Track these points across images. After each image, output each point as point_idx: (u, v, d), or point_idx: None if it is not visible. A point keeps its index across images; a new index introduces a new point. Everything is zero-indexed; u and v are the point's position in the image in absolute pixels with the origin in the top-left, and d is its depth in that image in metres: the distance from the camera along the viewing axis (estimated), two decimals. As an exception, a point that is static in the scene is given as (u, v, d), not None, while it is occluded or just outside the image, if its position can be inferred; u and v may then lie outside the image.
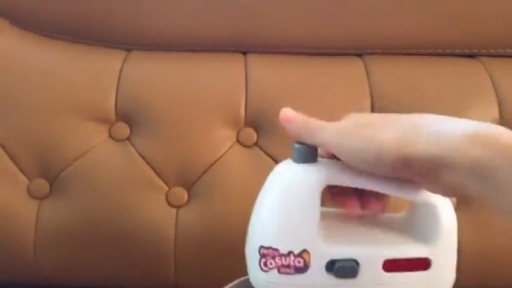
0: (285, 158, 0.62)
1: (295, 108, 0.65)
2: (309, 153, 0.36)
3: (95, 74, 0.65)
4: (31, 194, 0.61)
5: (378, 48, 0.68)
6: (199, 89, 0.64)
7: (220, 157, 0.62)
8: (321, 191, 0.35)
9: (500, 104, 0.64)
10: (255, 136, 0.63)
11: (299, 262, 0.35)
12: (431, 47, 0.68)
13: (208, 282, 0.45)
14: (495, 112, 0.63)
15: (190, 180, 0.61)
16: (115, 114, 0.63)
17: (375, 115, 0.37)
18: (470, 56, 0.68)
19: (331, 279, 0.35)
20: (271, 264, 0.35)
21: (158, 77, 0.65)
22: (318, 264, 0.35)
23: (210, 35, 0.68)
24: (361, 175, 0.35)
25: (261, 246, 0.35)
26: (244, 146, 0.63)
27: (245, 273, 0.45)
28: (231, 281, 0.45)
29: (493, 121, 0.63)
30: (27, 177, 0.62)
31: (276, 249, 0.35)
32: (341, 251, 0.35)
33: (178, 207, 0.61)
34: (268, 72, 0.66)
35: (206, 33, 0.68)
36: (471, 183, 0.29)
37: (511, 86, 0.65)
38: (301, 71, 0.67)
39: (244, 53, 0.68)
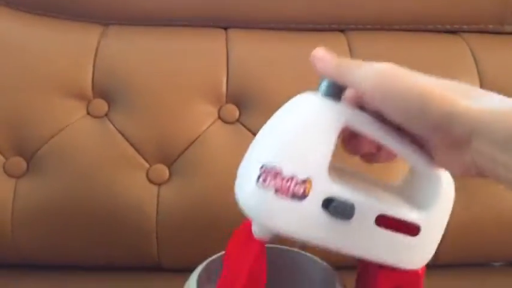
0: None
1: (277, 84, 0.65)
2: (335, 90, 0.35)
3: (71, 50, 0.63)
4: (7, 172, 0.60)
5: (360, 23, 0.68)
6: (179, 65, 0.63)
7: (202, 134, 0.61)
8: (339, 130, 0.34)
9: (481, 79, 0.64)
10: (237, 112, 0.62)
11: (299, 189, 0.33)
12: (413, 22, 0.68)
13: (191, 259, 0.45)
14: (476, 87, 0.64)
15: (171, 157, 0.61)
16: (92, 91, 0.62)
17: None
18: (452, 31, 0.68)
19: (324, 216, 0.34)
20: (270, 183, 0.33)
21: (136, 52, 0.64)
22: (316, 197, 0.34)
23: (190, 10, 0.66)
24: (383, 129, 0.34)
25: (263, 164, 0.33)
26: (226, 122, 0.62)
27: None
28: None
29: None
30: (3, 155, 0.60)
31: (280, 170, 0.33)
32: (342, 191, 0.34)
33: (159, 184, 0.60)
34: (250, 48, 0.65)
35: (186, 8, 0.66)
36: (500, 157, 0.28)
37: (492, 61, 0.66)
38: (283, 47, 0.66)
39: (225, 28, 0.67)
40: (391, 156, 0.38)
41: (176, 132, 0.61)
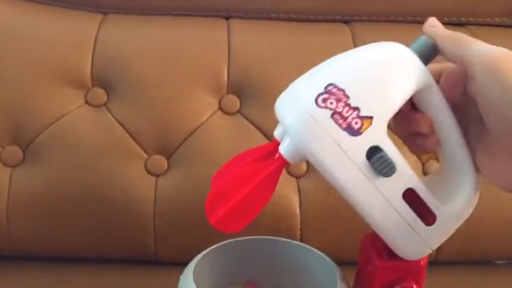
0: (269, 125, 0.61)
1: (279, 75, 0.64)
2: (427, 52, 0.34)
3: (70, 38, 0.62)
4: (3, 161, 0.59)
5: (365, 15, 0.66)
6: (179, 54, 0.62)
7: (202, 124, 0.60)
8: (416, 89, 0.33)
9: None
10: (238, 103, 0.61)
11: (356, 123, 0.32)
12: (419, 14, 0.66)
13: (188, 252, 0.44)
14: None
15: (170, 148, 0.59)
16: (91, 79, 0.61)
17: None
18: (460, 24, 0.67)
19: (363, 162, 0.32)
20: (331, 104, 0.31)
21: (136, 41, 0.63)
22: (366, 140, 0.32)
23: (192, -1, 0.65)
24: (450, 114, 0.34)
25: (332, 84, 0.32)
26: (227, 113, 0.61)
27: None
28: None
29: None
30: (-1, 144, 0.59)
31: (347, 96, 0.31)
32: (391, 147, 0.33)
33: (157, 175, 0.59)
34: (251, 38, 0.64)
35: (188, -3, 0.65)
36: None
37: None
38: (286, 38, 0.65)
39: (227, 18, 0.66)
40: (434, 146, 0.37)
41: (175, 123, 0.59)
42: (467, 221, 0.59)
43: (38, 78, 0.60)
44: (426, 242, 0.36)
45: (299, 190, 0.59)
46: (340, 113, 0.32)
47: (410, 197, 0.34)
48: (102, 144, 0.58)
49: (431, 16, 0.65)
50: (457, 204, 0.36)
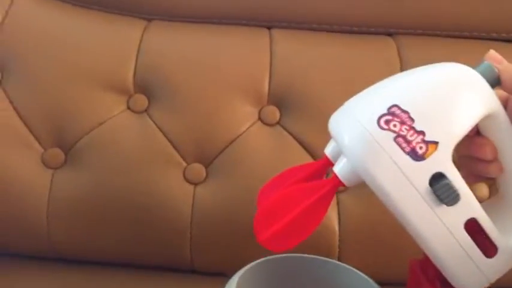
0: (310, 138, 0.59)
1: (320, 87, 0.63)
2: (492, 77, 0.33)
3: (114, 43, 0.63)
4: (45, 163, 0.60)
5: (410, 28, 0.65)
6: (221, 63, 0.62)
7: (241, 135, 0.59)
8: (484, 113, 0.32)
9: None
10: (278, 114, 0.61)
11: (421, 148, 0.30)
12: (467, 29, 0.65)
13: (225, 263, 0.44)
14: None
15: (208, 157, 0.59)
16: (133, 85, 0.61)
17: None
18: (508, 40, 0.65)
19: (426, 189, 0.31)
20: (394, 126, 0.30)
21: (179, 48, 0.63)
22: (430, 166, 0.31)
23: (234, 8, 0.65)
24: None
25: (396, 105, 0.30)
26: (267, 124, 0.60)
27: (262, 255, 0.44)
28: (247, 263, 0.43)
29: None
30: (41, 145, 0.60)
31: (412, 119, 0.30)
32: (455, 175, 0.31)
33: (195, 184, 0.59)
34: (294, 49, 0.64)
35: (230, 5, 0.65)
36: None
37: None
38: (328, 49, 0.64)
39: (269, 28, 0.66)
40: (497, 172, 0.35)
41: (215, 132, 0.59)
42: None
43: (81, 83, 0.61)
44: (485, 274, 0.34)
45: (338, 206, 0.58)
46: (404, 136, 0.30)
47: (472, 227, 0.33)
48: (142, 151, 0.59)
49: (480, 31, 0.64)
50: None
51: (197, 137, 0.59)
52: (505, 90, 0.34)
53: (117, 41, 0.63)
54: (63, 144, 0.60)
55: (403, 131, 0.30)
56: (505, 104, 0.34)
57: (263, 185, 0.38)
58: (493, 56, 0.35)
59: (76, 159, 0.59)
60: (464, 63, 0.60)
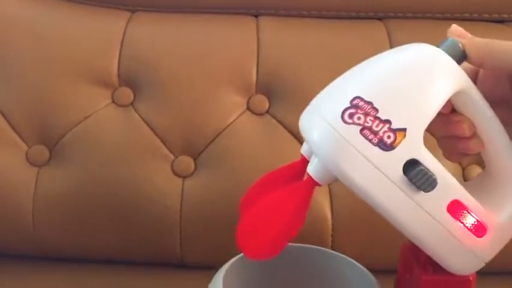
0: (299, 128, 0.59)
1: (309, 75, 0.62)
2: (458, 53, 0.32)
3: (97, 36, 0.61)
4: (30, 160, 0.58)
5: (400, 11, 0.64)
6: (207, 53, 0.61)
7: (229, 125, 0.58)
8: (452, 92, 0.31)
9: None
10: (266, 103, 0.59)
11: (389, 137, 0.29)
12: (457, 11, 0.63)
13: (215, 256, 0.42)
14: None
15: (197, 149, 0.58)
16: (118, 78, 0.60)
17: None
18: (500, 21, 0.64)
19: (401, 177, 0.30)
20: (358, 119, 0.29)
21: (164, 39, 0.61)
22: (402, 153, 0.30)
23: (219, -4, 0.64)
24: (491, 113, 0.31)
25: (358, 97, 0.29)
26: (255, 113, 0.59)
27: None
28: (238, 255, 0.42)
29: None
30: (25, 143, 0.59)
31: (375, 109, 0.29)
32: (431, 160, 0.30)
33: (184, 177, 0.58)
34: (281, 36, 0.62)
35: (216, -6, 0.64)
36: None
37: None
38: (317, 36, 0.63)
39: (256, 16, 0.64)
40: (478, 148, 0.34)
41: (203, 123, 0.58)
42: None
43: (64, 77, 0.59)
44: (478, 255, 0.33)
45: (330, 194, 0.56)
46: (369, 128, 0.29)
47: (457, 208, 0.32)
48: (128, 145, 0.57)
49: (471, 12, 0.63)
50: (509, 211, 0.33)
51: (184, 129, 0.58)
52: (471, 64, 0.33)
53: (100, 33, 0.62)
54: (48, 141, 0.59)
55: (368, 123, 0.29)
56: (474, 77, 0.33)
57: (245, 192, 0.37)
58: (456, 31, 0.34)
59: (61, 156, 0.58)
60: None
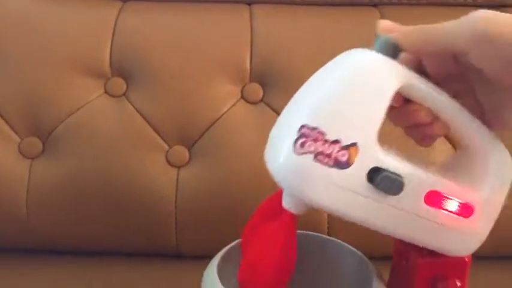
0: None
1: (304, 63, 0.62)
2: (392, 48, 0.31)
3: (88, 26, 0.61)
4: (23, 153, 0.58)
5: (394, -3, 0.63)
6: (200, 42, 0.60)
7: (224, 114, 0.58)
8: (394, 91, 0.30)
9: None
10: (261, 92, 0.59)
11: (343, 155, 0.29)
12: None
13: (211, 246, 0.42)
14: None
15: (191, 139, 0.58)
16: (110, 68, 0.59)
17: None
18: (499, 6, 0.63)
19: (368, 189, 0.30)
20: (309, 147, 0.29)
21: (156, 28, 0.61)
22: (361, 166, 0.30)
23: (212, -16, 0.63)
24: (443, 95, 0.31)
25: (304, 125, 0.29)
26: (250, 102, 0.59)
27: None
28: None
29: None
30: (18, 135, 0.58)
31: (322, 132, 0.29)
32: (391, 162, 0.30)
33: (179, 167, 0.57)
34: (275, 24, 0.62)
35: (208, -17, 0.63)
36: None
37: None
38: (311, 23, 0.62)
39: (249, 4, 0.64)
40: (444, 129, 0.34)
41: (197, 113, 0.58)
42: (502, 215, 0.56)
43: (56, 68, 0.59)
44: (473, 234, 0.33)
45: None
46: (322, 152, 0.29)
47: (435, 198, 0.32)
48: (122, 136, 0.57)
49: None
50: (490, 184, 0.33)
51: (178, 118, 0.58)
52: (409, 54, 0.32)
53: (91, 23, 0.61)
54: (40, 133, 0.58)
55: (319, 148, 0.29)
56: (418, 61, 0.33)
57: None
58: (385, 27, 0.33)
59: (54, 148, 0.58)
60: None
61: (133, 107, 0.58)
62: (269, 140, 0.33)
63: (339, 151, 0.29)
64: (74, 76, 0.58)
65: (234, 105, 0.58)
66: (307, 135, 0.29)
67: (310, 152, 0.29)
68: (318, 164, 0.29)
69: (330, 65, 0.32)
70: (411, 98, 0.32)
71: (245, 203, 0.54)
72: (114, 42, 0.59)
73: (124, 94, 0.59)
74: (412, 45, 0.32)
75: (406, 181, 0.30)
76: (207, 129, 0.57)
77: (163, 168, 0.57)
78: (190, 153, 0.58)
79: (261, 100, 0.59)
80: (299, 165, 0.29)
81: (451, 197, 0.32)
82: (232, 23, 0.62)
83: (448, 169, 0.35)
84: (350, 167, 0.30)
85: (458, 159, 0.36)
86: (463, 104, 0.33)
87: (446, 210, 0.32)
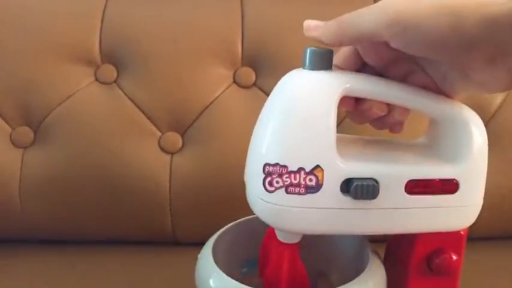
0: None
1: (295, 46, 0.60)
2: (324, 58, 0.31)
3: (77, 14, 0.60)
4: (14, 143, 0.57)
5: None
6: (191, 27, 0.59)
7: (216, 99, 0.57)
8: (336, 102, 0.31)
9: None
10: (253, 76, 0.59)
11: (311, 180, 0.30)
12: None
13: (207, 231, 0.42)
14: None
15: (184, 125, 0.57)
16: (100, 56, 0.59)
17: None
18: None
19: (346, 200, 0.31)
20: (277, 183, 0.30)
21: (146, 14, 0.60)
22: (332, 183, 0.30)
23: (202, -32, 0.62)
24: (388, 84, 0.31)
25: (266, 164, 0.30)
26: (242, 86, 0.58)
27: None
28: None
29: None
30: (9, 125, 0.58)
31: (284, 166, 0.30)
32: (359, 169, 0.31)
33: (172, 153, 0.57)
34: (266, 8, 0.61)
35: (197, -34, 0.62)
36: None
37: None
38: (302, 7, 0.61)
39: (239, -12, 0.63)
40: (404, 114, 0.34)
41: (189, 98, 0.57)
42: (501, 194, 0.56)
43: (46, 56, 0.58)
44: (464, 207, 0.33)
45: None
46: (291, 184, 0.30)
47: (415, 186, 0.32)
48: (114, 123, 0.56)
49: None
50: (469, 152, 0.32)
51: (170, 104, 0.57)
52: (339, 46, 0.32)
53: (80, 11, 0.60)
54: (31, 122, 0.58)
55: (286, 181, 0.30)
56: (356, 52, 0.33)
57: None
58: (308, 27, 0.33)
59: (46, 136, 0.57)
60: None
61: (125, 94, 0.57)
62: (245, 180, 0.34)
63: (305, 178, 0.30)
64: (64, 64, 0.58)
65: (226, 89, 0.58)
66: (272, 173, 0.30)
67: (280, 187, 0.30)
68: (291, 196, 0.31)
69: (271, 97, 0.33)
70: (359, 97, 0.32)
71: (239, 188, 0.53)
72: (104, 29, 0.59)
73: (115, 81, 0.58)
74: (333, 40, 0.31)
75: (381, 182, 0.31)
76: (200, 114, 0.57)
77: (156, 155, 0.56)
78: (183, 139, 0.57)
79: (254, 84, 0.59)
80: (274, 202, 0.31)
81: (432, 178, 0.32)
82: (223, 7, 0.61)
83: (427, 144, 0.36)
84: (322, 188, 0.31)
85: (435, 132, 0.36)
86: (417, 82, 0.33)
87: (430, 193, 0.32)
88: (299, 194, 0.30)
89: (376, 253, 0.37)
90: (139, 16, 0.60)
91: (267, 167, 0.31)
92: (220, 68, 0.58)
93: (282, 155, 0.30)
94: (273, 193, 0.31)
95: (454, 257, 0.34)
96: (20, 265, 0.55)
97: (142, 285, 0.52)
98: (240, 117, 0.56)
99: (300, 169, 0.30)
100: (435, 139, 0.35)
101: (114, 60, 0.59)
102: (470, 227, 0.35)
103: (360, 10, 0.30)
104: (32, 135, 0.58)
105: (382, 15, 0.29)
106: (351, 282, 0.33)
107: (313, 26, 0.33)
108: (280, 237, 0.35)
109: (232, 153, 0.55)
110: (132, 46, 0.58)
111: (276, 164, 0.30)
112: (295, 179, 0.30)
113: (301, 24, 0.59)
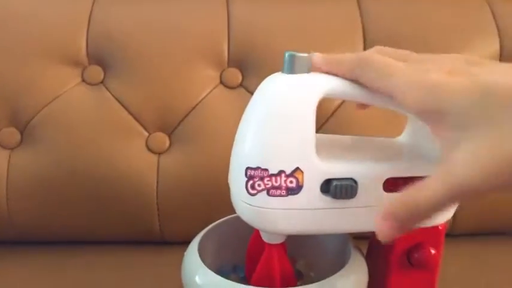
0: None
1: (281, 47, 0.61)
2: (302, 63, 0.32)
3: (63, 15, 0.60)
4: (1, 143, 0.57)
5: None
6: (177, 28, 0.60)
7: (203, 99, 0.58)
8: (316, 104, 0.31)
9: (501, 37, 0.60)
10: (239, 76, 0.59)
11: (291, 182, 0.31)
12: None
13: (195, 230, 0.42)
14: (496, 45, 0.60)
15: (171, 125, 0.58)
16: (87, 57, 0.59)
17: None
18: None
19: (327, 200, 0.32)
20: (259, 186, 0.31)
21: (132, 15, 0.60)
22: (312, 184, 0.31)
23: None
24: (363, 88, 0.32)
25: (248, 168, 0.31)
26: (229, 87, 0.59)
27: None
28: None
29: (494, 54, 0.59)
30: (-5, 126, 0.58)
31: (265, 169, 0.31)
32: (338, 170, 0.32)
33: (159, 153, 0.57)
34: (252, 9, 0.62)
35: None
36: None
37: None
38: (288, 8, 0.62)
39: (225, -12, 0.63)
40: (384, 103, 0.34)
41: (176, 99, 0.57)
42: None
43: (32, 57, 0.58)
44: None
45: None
46: (272, 187, 0.31)
47: (393, 184, 0.32)
48: (100, 123, 0.56)
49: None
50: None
51: (157, 105, 0.57)
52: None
53: (67, 12, 0.60)
54: (18, 123, 0.58)
55: (268, 184, 0.31)
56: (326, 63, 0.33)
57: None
58: (316, 62, 0.33)
59: (33, 137, 0.57)
60: (431, 20, 0.60)
61: (112, 94, 0.58)
62: (229, 183, 0.35)
63: (286, 180, 0.31)
64: (50, 65, 0.58)
65: (213, 90, 0.58)
66: (254, 176, 0.31)
67: (262, 190, 0.31)
68: (273, 198, 0.31)
69: (252, 101, 0.33)
70: (338, 98, 0.33)
71: (226, 187, 0.54)
72: (91, 30, 0.59)
73: (102, 82, 0.58)
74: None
75: (359, 181, 0.32)
76: (187, 114, 0.57)
77: (143, 155, 0.57)
78: (170, 139, 0.58)
79: (240, 85, 0.59)
80: (257, 204, 0.32)
81: (410, 176, 0.32)
82: (209, 8, 0.61)
83: (409, 143, 0.36)
84: (302, 189, 0.31)
85: (413, 129, 0.37)
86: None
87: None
88: (280, 196, 0.31)
89: (359, 249, 0.38)
90: (126, 17, 0.60)
91: (249, 170, 0.31)
92: (207, 68, 0.59)
93: (263, 159, 0.31)
94: (256, 196, 0.31)
95: (433, 251, 0.35)
96: (7, 266, 0.55)
97: (131, 284, 0.52)
98: (227, 118, 0.57)
99: (281, 172, 0.31)
100: (414, 136, 0.36)
101: (101, 61, 0.59)
102: (452, 223, 0.35)
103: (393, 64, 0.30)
104: (18, 136, 0.57)
105: (411, 85, 0.29)
106: (333, 276, 0.34)
107: (319, 62, 0.33)
108: (265, 238, 0.35)
109: (219, 153, 0.56)
110: (119, 47, 0.58)
111: (258, 168, 0.31)
112: (276, 181, 0.31)
113: (289, 26, 0.60)
